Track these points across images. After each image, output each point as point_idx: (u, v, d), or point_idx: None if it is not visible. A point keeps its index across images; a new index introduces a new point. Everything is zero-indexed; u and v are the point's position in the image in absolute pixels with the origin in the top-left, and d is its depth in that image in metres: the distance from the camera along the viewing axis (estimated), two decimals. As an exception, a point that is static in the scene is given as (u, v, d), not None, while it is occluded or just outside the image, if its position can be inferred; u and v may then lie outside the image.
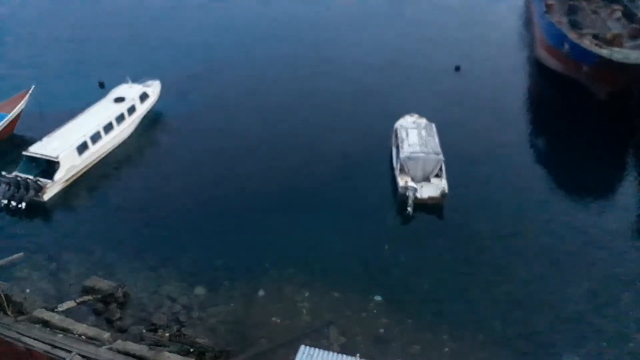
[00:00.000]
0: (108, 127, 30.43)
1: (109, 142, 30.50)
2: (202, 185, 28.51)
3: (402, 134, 29.24)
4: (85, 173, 29.13)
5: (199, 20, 51.09)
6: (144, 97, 33.27)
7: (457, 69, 40.64)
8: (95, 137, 29.58)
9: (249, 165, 29.92)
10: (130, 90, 33.07)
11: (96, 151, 29.66)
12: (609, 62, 32.31)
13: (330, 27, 49.68)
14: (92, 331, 19.18)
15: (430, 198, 26.40)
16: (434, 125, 29.97)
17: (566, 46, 35.75)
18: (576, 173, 29.95)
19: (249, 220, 25.86)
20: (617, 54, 32.43)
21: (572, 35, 35.58)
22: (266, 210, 26.54)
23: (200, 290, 22.13)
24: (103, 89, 35.91)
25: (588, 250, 24.07)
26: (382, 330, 20.42)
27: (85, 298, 21.39)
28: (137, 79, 34.46)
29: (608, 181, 29.80)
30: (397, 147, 28.73)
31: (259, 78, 40.11)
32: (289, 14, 52.80)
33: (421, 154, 27.28)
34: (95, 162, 29.76)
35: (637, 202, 27.96)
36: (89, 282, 21.86)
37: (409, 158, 27.18)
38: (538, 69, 41.56)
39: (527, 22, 49.96)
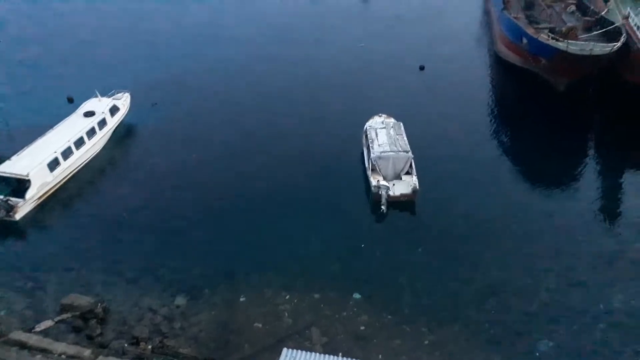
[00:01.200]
0: (79, 142, 30.20)
1: (80, 157, 30.27)
2: (175, 194, 28.56)
3: (371, 134, 29.91)
4: (57, 190, 28.85)
5: (166, 30, 50.79)
6: (114, 110, 33.12)
7: (422, 68, 41.59)
8: (66, 153, 29.34)
9: (222, 172, 30.16)
10: (99, 104, 32.85)
11: (68, 167, 29.41)
12: (565, 55, 33.60)
13: (295, 29, 50.32)
14: (72, 349, 18.98)
15: (403, 195, 27.10)
16: (401, 124, 30.75)
17: (524, 41, 37.01)
18: (540, 162, 31.11)
19: (225, 227, 26.14)
20: (573, 46, 33.76)
21: (530, 30, 36.86)
22: (242, 215, 26.85)
23: (180, 300, 22.25)
24: (72, 103, 35.51)
25: (556, 236, 25.15)
26: (362, 328, 20.93)
27: (64, 316, 21.12)
28: (106, 92, 34.24)
29: (571, 169, 30.99)
30: (368, 147, 29.36)
31: (228, 84, 40.30)
32: (254, 19, 53.03)
33: (391, 153, 28.00)
34: (67, 178, 29.49)
35: (599, 187, 29.27)
36: (66, 300, 21.59)
37: (379, 157, 27.84)
38: (499, 63, 42.86)
39: (487, 19, 51.34)
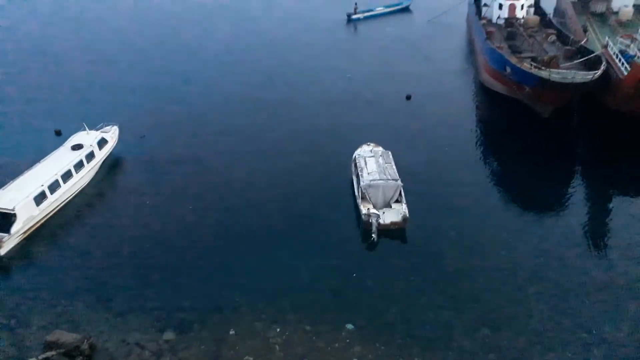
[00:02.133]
0: (66, 175, 30.00)
1: (68, 191, 30.02)
2: (163, 226, 28.29)
3: (360, 162, 30.10)
4: (44, 223, 28.47)
5: (156, 61, 51.35)
6: (102, 143, 33.07)
7: (408, 97, 42.22)
8: (54, 186, 29.09)
9: (211, 204, 30.00)
10: (87, 137, 32.80)
11: (55, 200, 29.12)
12: (548, 83, 34.40)
13: (284, 60, 51.16)
14: (57, 387, 18.53)
15: (393, 223, 27.12)
16: (390, 153, 31.02)
17: (508, 70, 37.85)
18: (528, 188, 31.45)
19: (214, 259, 25.85)
20: (555, 74, 34.60)
21: (513, 60, 37.76)
22: (231, 248, 26.61)
23: (169, 335, 21.80)
24: (60, 136, 35.42)
25: (546, 262, 25.21)
26: (355, 359, 20.59)
27: (48, 354, 20.47)
28: (95, 125, 34.24)
29: (558, 194, 31.31)
30: (357, 176, 29.50)
31: (216, 114, 40.59)
32: (239, 49, 53.84)
33: (380, 181, 28.13)
34: (54, 211, 29.17)
35: (586, 212, 29.52)
36: (51, 337, 20.99)
37: (369, 186, 27.96)
38: (484, 92, 43.68)
39: (471, 49, 52.55)
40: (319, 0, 72.95)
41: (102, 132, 33.93)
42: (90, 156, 31.94)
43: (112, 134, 34.44)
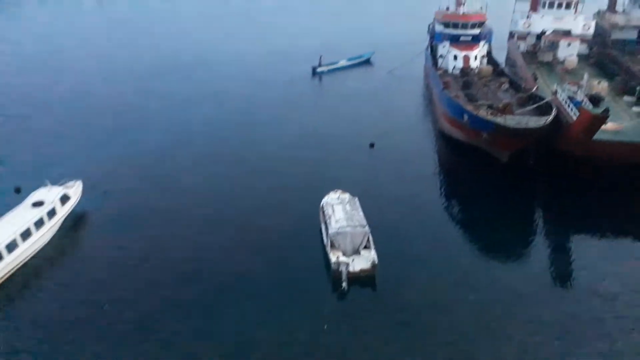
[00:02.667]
0: (25, 234, 29.05)
1: (27, 250, 29.00)
2: (126, 286, 27.24)
3: (328, 210, 30.37)
4: (1, 284, 27.26)
5: (119, 114, 51.30)
6: (64, 199, 32.36)
7: (372, 145, 43.34)
8: (11, 246, 28.06)
9: (175, 258, 29.35)
10: (49, 194, 32.06)
11: (12, 261, 28.03)
12: (504, 129, 35.96)
13: (250, 109, 52.05)
14: None
15: (362, 270, 27.18)
16: (357, 199, 31.45)
17: (465, 117, 39.48)
18: (491, 232, 32.19)
19: (179, 316, 25.02)
20: (510, 121, 36.29)
21: (470, 108, 39.48)
22: (197, 300, 25.95)
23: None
24: (19, 194, 34.49)
25: (512, 304, 25.55)
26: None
27: None
28: (57, 180, 33.59)
29: (520, 236, 32.10)
30: (326, 224, 29.67)
31: (179, 167, 40.57)
32: (207, 102, 54.56)
33: (348, 228, 28.35)
34: (12, 272, 28.04)
35: (548, 252, 30.30)
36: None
37: (337, 233, 28.13)
38: (444, 139, 45.24)
39: (429, 98, 54.73)
40: (285, 55, 75.69)
41: (64, 187, 33.26)
42: (52, 213, 31.14)
43: (75, 189, 33.79)
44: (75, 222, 33.17)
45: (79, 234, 32.51)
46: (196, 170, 39.92)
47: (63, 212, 32.08)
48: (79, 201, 33.85)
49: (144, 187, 37.22)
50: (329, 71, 66.44)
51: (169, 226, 32.42)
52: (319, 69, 65.83)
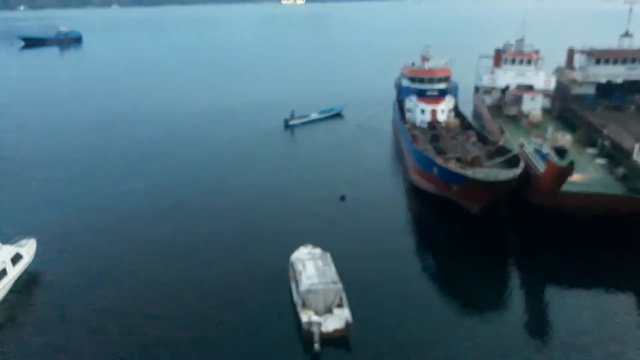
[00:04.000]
0: (-29, 297, 26.94)
1: (-29, 315, 26.80)
2: (84, 351, 25.41)
3: (298, 266, 29.19)
4: (-60, 356, 24.89)
5: (77, 169, 49.79)
6: (16, 258, 30.46)
7: (342, 198, 42.77)
8: (-45, 311, 25.89)
9: (138, 323, 27.50)
10: (0, 253, 30.07)
11: (-45, 327, 25.77)
12: (474, 181, 36.00)
13: (214, 165, 51.28)
14: None
15: (336, 330, 25.83)
16: (329, 255, 30.43)
17: (435, 170, 39.51)
18: (465, 287, 31.42)
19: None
20: (480, 173, 36.40)
21: (439, 160, 39.58)
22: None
23: None
24: (-34, 253, 32.24)
25: (488, 357, 24.57)
26: None
27: None
28: (9, 239, 31.69)
29: (493, 288, 31.42)
30: (296, 281, 28.42)
31: (144, 217, 39.28)
32: (178, 151, 53.67)
33: (320, 285, 27.14)
34: (-47, 340, 25.69)
35: (521, 304, 29.64)
36: None
37: (309, 291, 26.86)
38: (414, 191, 45.07)
39: (398, 150, 55.08)
40: (259, 105, 76.52)
41: (17, 246, 31.42)
42: (2, 274, 29.19)
43: (28, 248, 31.94)
44: (28, 284, 31.01)
45: (31, 297, 30.29)
46: (159, 225, 38.52)
47: (15, 272, 30.08)
48: (33, 261, 31.84)
49: (103, 244, 35.52)
50: (302, 124, 67.06)
51: (129, 288, 30.60)
52: (291, 122, 66.42)
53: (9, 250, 30.53)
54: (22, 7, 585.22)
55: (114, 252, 34.44)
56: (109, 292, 30.09)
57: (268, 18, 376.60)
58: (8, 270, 29.57)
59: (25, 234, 33.28)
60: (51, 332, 26.74)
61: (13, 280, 29.96)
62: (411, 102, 55.41)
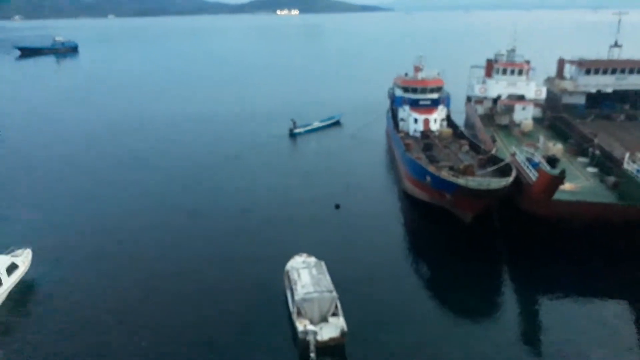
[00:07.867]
0: (-35, 308, 26.91)
1: (-34, 325, 26.76)
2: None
3: (293, 275, 29.33)
4: None
5: (74, 179, 49.80)
6: (12, 268, 30.44)
7: (337, 207, 43.04)
8: (-51, 322, 25.86)
9: (131, 332, 27.52)
10: (-6, 263, 30.15)
11: (-50, 338, 25.73)
12: (466, 190, 36.39)
13: (208, 173, 51.54)
14: None
15: (331, 339, 25.92)
16: (323, 263, 30.61)
17: (428, 179, 39.89)
18: (459, 295, 31.53)
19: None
20: (472, 182, 36.79)
21: (432, 169, 39.99)
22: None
23: None
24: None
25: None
26: None
27: None
28: (4, 249, 31.67)
29: (488, 299, 31.64)
30: (291, 290, 28.56)
31: (139, 228, 39.26)
32: (184, 159, 53.82)
33: (315, 294, 27.28)
34: (-53, 351, 25.64)
35: (515, 315, 29.76)
36: None
37: (304, 300, 26.99)
38: (407, 199, 45.41)
39: (391, 159, 55.52)
40: (258, 115, 77.01)
41: (12, 256, 31.43)
42: (-3, 284, 29.12)
43: (23, 258, 31.93)
44: (23, 294, 30.98)
45: (28, 305, 30.23)
46: (155, 233, 38.59)
47: (10, 282, 30.09)
48: (28, 270, 31.83)
49: (99, 254, 35.46)
50: (305, 132, 68.63)
51: (125, 298, 30.59)
52: (295, 131, 68.29)
53: (4, 260, 30.54)
54: (17, 17, 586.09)
55: (109, 262, 34.43)
56: (104, 302, 30.06)
57: (264, 29, 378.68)
58: (3, 280, 29.57)
59: (21, 243, 33.25)
60: (46, 342, 26.66)
61: (8, 290, 29.94)
62: (404, 111, 55.94)
